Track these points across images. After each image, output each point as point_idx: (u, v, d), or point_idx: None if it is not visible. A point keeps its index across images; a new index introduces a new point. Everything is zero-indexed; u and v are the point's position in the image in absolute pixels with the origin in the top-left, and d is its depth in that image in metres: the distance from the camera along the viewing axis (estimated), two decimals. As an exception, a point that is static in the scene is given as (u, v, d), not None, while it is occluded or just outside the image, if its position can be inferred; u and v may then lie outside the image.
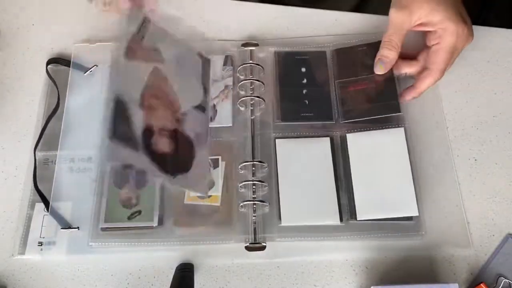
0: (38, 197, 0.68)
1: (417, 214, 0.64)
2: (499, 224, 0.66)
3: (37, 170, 0.69)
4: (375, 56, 0.70)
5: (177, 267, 0.63)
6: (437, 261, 0.64)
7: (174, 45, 0.69)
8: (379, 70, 0.70)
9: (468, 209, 0.66)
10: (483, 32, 0.77)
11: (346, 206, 0.65)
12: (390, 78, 0.71)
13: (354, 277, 0.63)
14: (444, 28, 0.66)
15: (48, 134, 0.72)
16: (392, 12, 0.67)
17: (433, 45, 0.68)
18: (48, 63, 0.77)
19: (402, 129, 0.69)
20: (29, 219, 0.67)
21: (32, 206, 0.68)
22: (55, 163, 0.69)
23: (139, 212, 0.66)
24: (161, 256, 0.65)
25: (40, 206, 0.67)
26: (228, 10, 0.81)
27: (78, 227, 0.65)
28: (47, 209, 0.66)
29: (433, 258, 0.64)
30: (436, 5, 0.66)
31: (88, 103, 0.73)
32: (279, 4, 0.82)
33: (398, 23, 0.67)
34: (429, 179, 0.68)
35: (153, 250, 0.65)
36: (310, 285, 0.63)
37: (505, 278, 0.62)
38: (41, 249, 0.65)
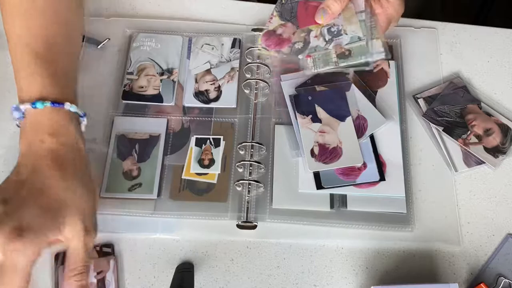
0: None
1: (405, 212, 0.65)
2: (499, 224, 0.66)
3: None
4: None
5: (177, 267, 0.63)
6: (437, 261, 0.64)
7: None
8: (320, 19, 0.69)
9: (468, 209, 0.66)
10: (483, 32, 0.77)
11: (338, 195, 0.66)
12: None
13: (354, 277, 0.64)
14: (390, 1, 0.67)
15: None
16: None
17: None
18: None
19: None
20: (29, 219, 0.67)
21: (32, 206, 0.68)
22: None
23: (140, 184, 0.67)
24: (161, 256, 0.65)
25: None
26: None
27: None
28: None
29: (433, 258, 0.64)
30: None
31: (100, 78, 0.74)
32: None
33: None
34: (429, 179, 0.68)
35: (151, 221, 0.65)
36: (310, 285, 0.63)
37: (505, 278, 0.62)
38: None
